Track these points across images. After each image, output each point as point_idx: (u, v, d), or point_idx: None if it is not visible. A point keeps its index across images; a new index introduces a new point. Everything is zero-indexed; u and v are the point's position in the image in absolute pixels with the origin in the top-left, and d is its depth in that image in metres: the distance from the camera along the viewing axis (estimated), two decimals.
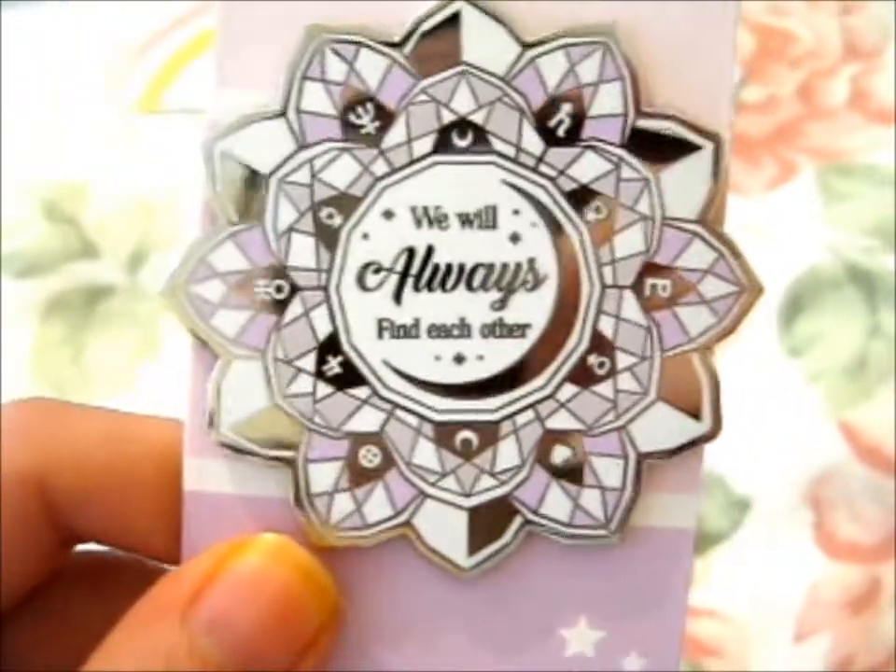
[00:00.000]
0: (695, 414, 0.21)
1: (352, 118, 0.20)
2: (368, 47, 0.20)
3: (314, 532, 0.21)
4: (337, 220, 0.21)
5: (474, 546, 0.21)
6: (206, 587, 0.20)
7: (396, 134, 0.20)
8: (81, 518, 0.22)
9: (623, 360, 0.21)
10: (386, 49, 0.20)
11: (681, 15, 0.20)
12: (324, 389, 0.21)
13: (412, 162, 0.20)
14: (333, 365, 0.21)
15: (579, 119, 0.20)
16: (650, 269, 0.21)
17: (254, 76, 0.20)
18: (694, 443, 0.21)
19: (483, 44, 0.20)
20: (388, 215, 0.21)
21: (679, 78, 0.21)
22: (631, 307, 0.21)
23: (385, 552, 0.21)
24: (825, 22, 0.40)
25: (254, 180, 0.20)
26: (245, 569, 0.20)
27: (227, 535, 0.21)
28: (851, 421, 0.35)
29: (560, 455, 0.21)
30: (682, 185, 0.21)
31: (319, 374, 0.21)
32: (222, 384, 0.21)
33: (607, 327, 0.21)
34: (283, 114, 0.20)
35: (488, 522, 0.21)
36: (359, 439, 0.21)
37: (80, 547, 0.23)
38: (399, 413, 0.21)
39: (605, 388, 0.21)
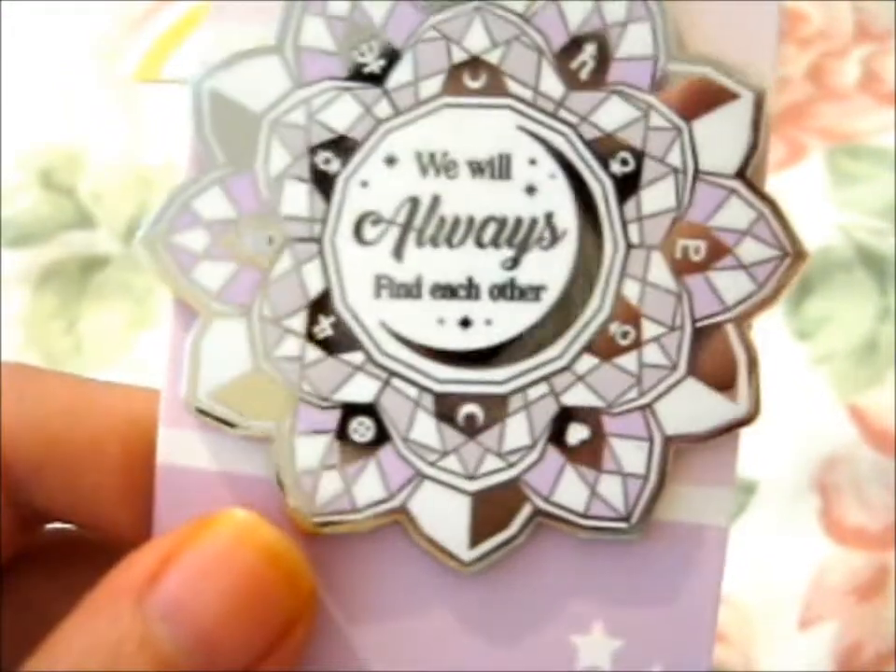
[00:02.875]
0: (731, 394, 0.17)
1: (354, 55, 0.17)
2: None
3: (297, 514, 0.17)
4: (334, 166, 0.17)
5: (477, 536, 0.17)
6: (164, 570, 0.16)
7: (402, 74, 0.17)
8: (42, 492, 0.18)
9: (649, 330, 0.17)
10: None
11: None
12: (314, 353, 0.17)
13: (418, 104, 0.17)
14: (325, 326, 0.17)
15: (604, 60, 0.17)
16: (681, 228, 0.17)
17: (248, 9, 0.17)
18: (729, 427, 0.17)
19: None
20: (391, 161, 0.17)
21: (717, 22, 0.17)
22: (659, 270, 0.17)
23: (376, 539, 0.17)
24: (836, 3, 0.37)
25: (245, 121, 0.17)
26: (207, 550, 0.16)
27: (202, 514, 0.17)
28: (860, 405, 0.31)
29: (576, 434, 0.17)
30: (718, 136, 0.17)
31: (309, 336, 0.17)
32: (201, 344, 0.17)
33: (631, 292, 0.17)
34: (279, 50, 0.17)
35: (493, 509, 0.17)
36: (351, 410, 0.17)
37: (46, 528, 0.19)
38: (397, 381, 0.17)
39: (628, 361, 0.17)
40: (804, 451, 0.31)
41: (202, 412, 0.17)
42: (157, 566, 0.15)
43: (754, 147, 0.16)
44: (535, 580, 0.17)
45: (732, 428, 0.16)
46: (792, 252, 0.16)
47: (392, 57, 0.17)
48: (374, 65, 0.17)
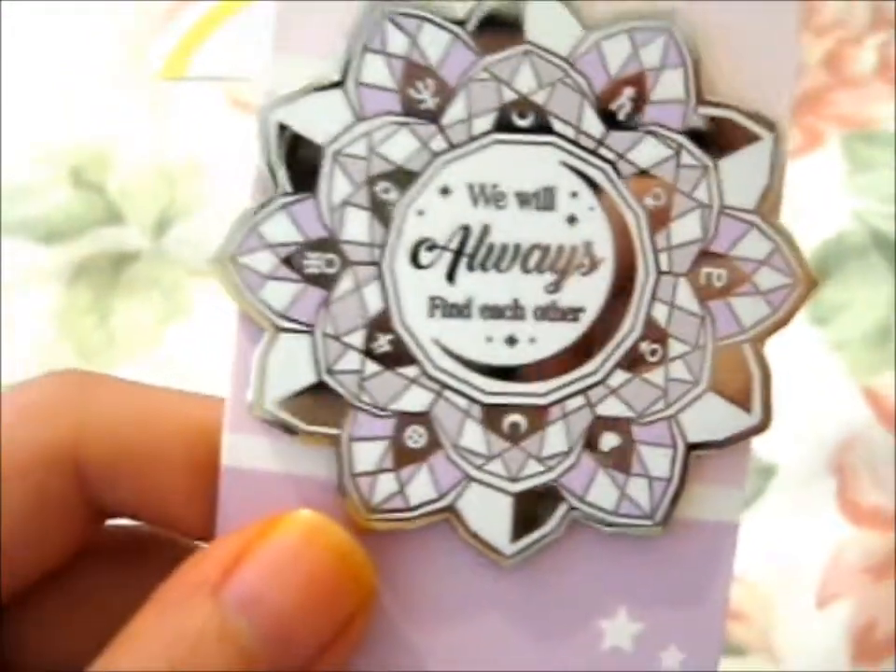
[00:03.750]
0: (746, 406, 0.18)
1: (412, 92, 0.18)
2: (430, 21, 0.18)
3: (355, 513, 0.18)
4: (393, 195, 0.18)
5: (518, 532, 0.18)
6: (238, 565, 0.17)
7: (456, 111, 0.18)
8: (113, 493, 0.19)
9: (675, 348, 0.18)
10: (449, 25, 0.18)
11: (744, 3, 0.18)
12: (372, 367, 0.18)
13: (471, 140, 0.18)
14: (383, 343, 0.18)
15: (640, 103, 0.18)
16: (705, 257, 0.18)
17: (312, 44, 0.18)
18: (744, 435, 0.18)
19: (547, 24, 0.18)
20: (445, 192, 0.18)
21: (740, 67, 0.18)
22: (685, 295, 0.18)
23: (427, 535, 0.18)
24: None
25: (309, 151, 0.18)
26: (279, 547, 0.17)
27: (264, 514, 0.18)
28: (875, 388, 0.32)
29: (608, 442, 0.18)
30: (741, 174, 0.18)
31: (368, 352, 0.18)
32: (268, 358, 0.18)
33: (660, 314, 0.18)
34: (341, 85, 0.18)
35: (533, 508, 0.18)
36: (406, 418, 0.18)
37: (112, 522, 0.20)
38: (448, 393, 0.18)
39: (656, 376, 0.18)
40: (820, 434, 0.31)
41: (267, 420, 0.18)
42: (230, 561, 0.16)
43: (771, 185, 0.18)
44: (567, 570, 0.18)
45: (746, 436, 0.18)
46: (804, 279, 0.18)
47: (447, 95, 0.17)
48: (430, 102, 0.17)
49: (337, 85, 0.17)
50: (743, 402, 0.18)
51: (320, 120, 0.17)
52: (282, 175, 0.17)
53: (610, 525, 0.18)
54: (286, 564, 0.16)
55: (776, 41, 0.18)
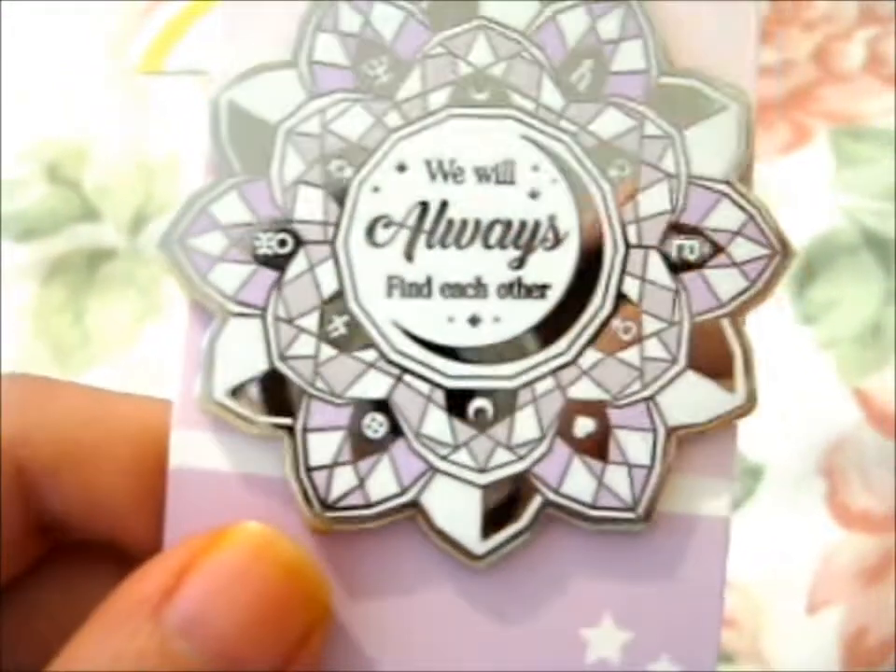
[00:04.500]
0: (728, 385, 0.17)
1: (365, 69, 0.17)
2: (391, 3, 0.17)
3: (310, 510, 0.16)
4: (347, 172, 0.17)
5: (488, 529, 0.16)
6: (180, 583, 0.15)
7: (411, 86, 0.17)
8: (57, 499, 0.17)
9: (649, 325, 0.17)
10: (402, 2, 0.17)
11: None
12: (327, 351, 0.17)
13: (427, 115, 0.17)
14: (338, 325, 0.17)
15: (600, 74, 0.17)
16: (676, 229, 0.17)
17: (263, 28, 0.17)
18: (728, 417, 0.17)
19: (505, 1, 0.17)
20: (401, 168, 0.17)
21: (701, 39, 0.17)
22: (657, 268, 0.17)
23: (389, 534, 0.16)
24: None
25: (261, 131, 0.17)
26: (223, 563, 0.15)
27: (216, 518, 0.16)
28: (865, 388, 0.30)
29: (583, 427, 0.17)
30: (708, 144, 0.17)
31: (323, 335, 0.17)
32: (217, 344, 0.17)
33: (632, 289, 0.17)
34: (294, 64, 0.17)
35: (504, 501, 0.16)
36: (364, 406, 0.16)
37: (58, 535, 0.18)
38: (408, 378, 0.17)
39: (631, 355, 0.17)
40: (810, 435, 0.29)
41: (218, 408, 0.16)
42: (172, 579, 0.15)
43: (741, 155, 0.17)
44: (545, 572, 0.16)
45: (730, 419, 0.16)
46: (781, 250, 0.17)
47: (401, 71, 0.17)
48: (384, 78, 0.17)
49: (289, 64, 0.17)
50: (725, 381, 0.16)
51: (272, 99, 0.16)
52: (233, 154, 0.16)
53: (589, 518, 0.16)
54: (231, 582, 0.15)
55: (735, 11, 0.17)
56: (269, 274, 0.16)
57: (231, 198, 0.16)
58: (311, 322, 0.16)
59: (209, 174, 0.16)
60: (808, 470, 0.29)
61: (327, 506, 0.16)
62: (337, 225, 0.16)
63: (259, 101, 0.16)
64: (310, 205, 0.16)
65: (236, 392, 0.16)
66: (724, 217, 0.16)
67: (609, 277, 0.16)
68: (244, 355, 0.16)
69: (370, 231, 0.16)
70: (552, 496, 0.16)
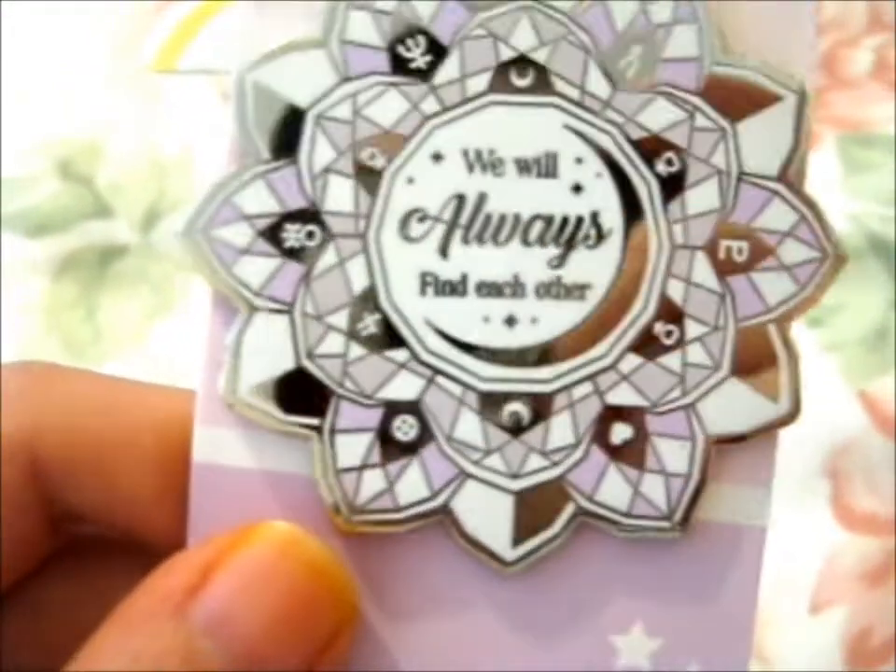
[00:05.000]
0: (772, 394, 0.16)
1: (401, 51, 0.16)
2: None
3: (338, 514, 0.16)
4: (380, 162, 0.16)
5: (519, 535, 0.16)
6: (205, 581, 0.14)
7: (449, 70, 0.16)
8: (75, 492, 0.16)
9: (692, 330, 0.16)
10: None
11: None
12: (357, 350, 0.16)
13: (465, 101, 0.16)
14: (369, 323, 0.16)
15: (650, 61, 0.16)
16: (725, 229, 0.16)
17: (292, 3, 0.16)
18: (770, 427, 0.16)
19: None
20: (437, 157, 0.16)
21: (760, 25, 0.16)
22: (703, 270, 0.16)
23: (419, 539, 0.16)
24: None
25: (290, 115, 0.16)
26: (249, 562, 0.14)
27: (240, 515, 0.16)
28: (870, 392, 0.30)
29: (620, 434, 0.16)
30: (762, 138, 0.16)
31: (352, 333, 0.16)
32: (242, 340, 0.16)
33: (676, 291, 0.16)
34: (324, 44, 0.16)
35: (537, 508, 0.16)
36: (394, 407, 0.16)
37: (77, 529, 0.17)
38: (441, 379, 0.16)
39: (672, 360, 0.16)
40: (814, 438, 0.29)
41: (243, 406, 0.15)
42: (197, 576, 0.14)
43: (796, 150, 0.16)
44: (575, 579, 0.16)
45: (772, 428, 0.16)
46: (832, 254, 0.16)
47: (439, 53, 0.15)
48: (421, 61, 0.15)
49: (320, 44, 0.15)
50: (769, 390, 0.15)
51: (301, 81, 0.15)
52: (259, 140, 0.15)
53: (623, 527, 0.15)
54: (257, 580, 0.14)
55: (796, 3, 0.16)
56: (296, 268, 0.15)
57: (258, 187, 0.15)
58: (340, 319, 0.15)
59: (234, 160, 0.15)
60: (813, 472, 0.29)
61: (355, 509, 0.15)
62: (368, 217, 0.15)
63: (287, 83, 0.15)
64: (340, 196, 0.15)
65: (262, 390, 0.15)
66: (775, 217, 0.15)
67: (654, 279, 0.15)
68: (270, 352, 0.15)
69: (403, 225, 0.15)
70: (585, 503, 0.15)
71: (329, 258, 0.15)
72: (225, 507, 0.15)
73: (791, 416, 0.15)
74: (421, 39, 0.15)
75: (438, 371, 0.15)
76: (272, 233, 0.15)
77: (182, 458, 0.15)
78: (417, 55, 0.15)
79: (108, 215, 0.32)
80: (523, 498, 0.15)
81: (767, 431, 0.15)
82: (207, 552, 0.14)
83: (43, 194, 0.32)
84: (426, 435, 0.15)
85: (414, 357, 0.15)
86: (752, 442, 0.15)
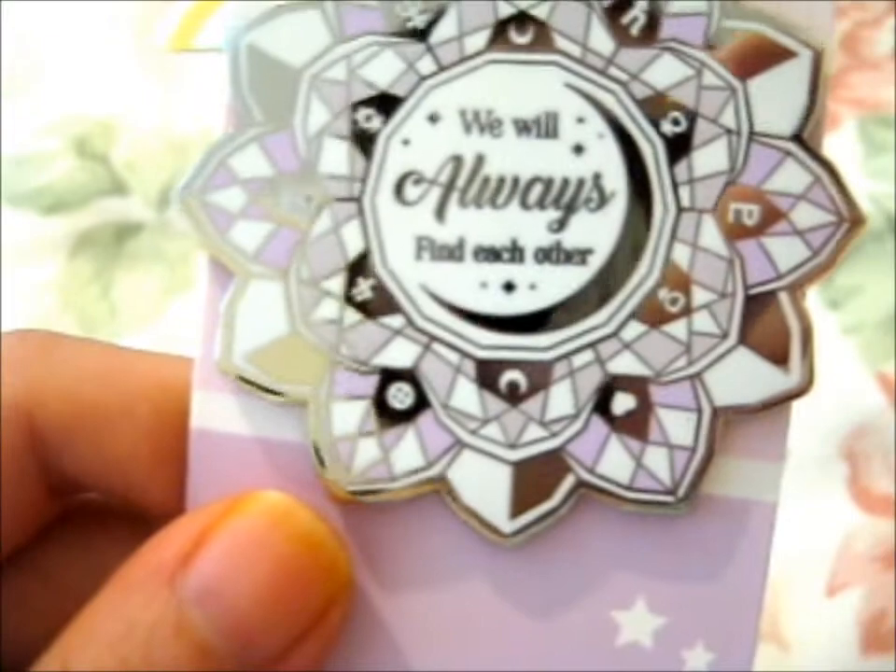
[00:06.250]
0: (783, 364, 0.15)
1: (397, 9, 0.15)
2: None
3: (333, 482, 0.15)
4: (375, 123, 0.15)
5: (518, 507, 0.15)
6: (196, 552, 0.14)
7: (446, 28, 0.15)
8: (72, 458, 0.16)
9: (699, 297, 0.15)
10: None
11: None
12: (352, 316, 0.15)
13: (462, 60, 0.15)
14: (364, 288, 0.15)
15: (655, 16, 0.15)
16: (734, 191, 0.15)
17: None
18: (781, 399, 0.15)
19: None
20: (434, 118, 0.15)
21: None
22: (711, 234, 0.15)
23: (414, 508, 0.15)
24: None
25: (284, 76, 0.15)
26: (240, 533, 0.14)
27: (237, 483, 0.15)
28: (888, 373, 0.29)
29: (622, 404, 0.15)
30: (774, 96, 0.15)
31: (348, 299, 0.15)
32: (237, 306, 0.15)
33: (682, 256, 0.15)
34: (318, 4, 0.15)
35: (535, 479, 0.15)
36: (390, 375, 0.15)
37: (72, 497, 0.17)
38: (437, 346, 0.15)
39: (677, 328, 0.15)
40: (832, 419, 0.28)
41: (236, 375, 0.15)
42: (189, 546, 0.13)
43: (811, 109, 0.14)
44: (576, 553, 0.15)
45: (784, 401, 0.14)
46: (849, 217, 0.14)
47: (436, 11, 0.15)
48: (418, 20, 0.15)
49: (313, 4, 0.15)
50: (780, 360, 0.14)
51: (295, 42, 0.14)
52: (254, 103, 0.15)
53: (625, 500, 0.14)
54: (246, 552, 0.13)
55: None
56: (291, 233, 0.14)
57: (252, 150, 0.14)
58: (335, 285, 0.14)
59: (229, 123, 0.15)
60: (830, 454, 0.28)
61: (350, 477, 0.14)
62: (364, 181, 0.14)
63: (281, 44, 0.14)
64: (335, 158, 0.14)
65: (256, 356, 0.14)
66: (788, 179, 0.14)
67: (658, 243, 0.14)
68: (264, 318, 0.14)
69: (398, 188, 0.14)
70: (586, 475, 0.14)
71: (323, 222, 0.14)
72: (222, 474, 0.15)
73: (804, 389, 0.14)
74: None
75: (434, 338, 0.14)
76: (266, 197, 0.14)
77: (179, 425, 0.15)
78: (414, 14, 0.14)
79: (124, 192, 0.32)
80: (521, 469, 0.14)
81: (778, 403, 0.14)
82: (200, 520, 0.14)
83: (58, 172, 0.32)
84: (421, 403, 0.14)
85: (410, 323, 0.14)
86: (763, 415, 0.14)
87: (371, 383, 0.14)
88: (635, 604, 0.14)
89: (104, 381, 0.15)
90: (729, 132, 0.14)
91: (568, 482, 0.14)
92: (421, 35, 0.14)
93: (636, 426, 0.14)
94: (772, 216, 0.14)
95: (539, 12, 0.14)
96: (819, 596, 0.26)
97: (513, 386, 0.14)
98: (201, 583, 0.13)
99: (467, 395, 0.14)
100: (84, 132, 0.33)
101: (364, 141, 0.14)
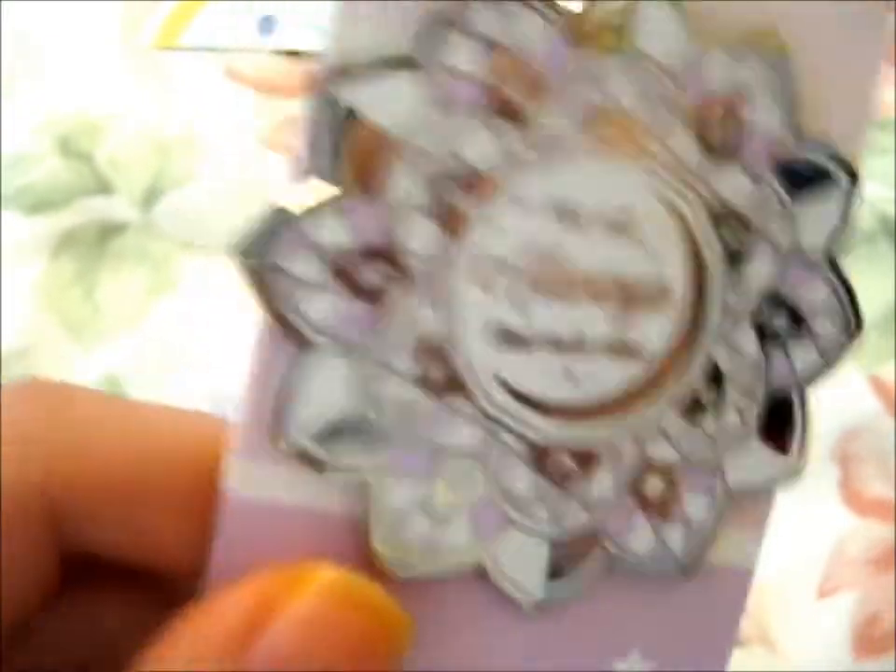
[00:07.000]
0: (783, 451, 0.16)
1: (499, 85, 0.14)
2: (530, 5, 0.14)
3: (381, 557, 0.15)
4: (463, 202, 0.14)
5: (553, 577, 0.16)
6: (261, 628, 0.13)
7: (545, 113, 0.14)
8: (91, 530, 0.14)
9: (730, 394, 0.16)
10: (552, 14, 0.14)
11: (830, 35, 0.16)
12: (418, 396, 0.14)
13: (554, 147, 0.14)
14: (433, 369, 0.14)
15: (735, 129, 0.15)
16: (770, 300, 0.16)
17: (388, 14, 0.14)
18: (779, 481, 0.16)
19: (656, 31, 0.14)
20: (521, 204, 0.14)
21: (823, 101, 0.16)
22: (748, 338, 0.16)
23: (461, 585, 0.15)
24: None
25: (372, 141, 0.14)
26: (309, 607, 0.13)
27: (272, 553, 0.14)
28: (882, 376, 0.28)
29: (654, 486, 0.16)
30: (814, 215, 0.16)
31: (415, 378, 0.14)
32: (299, 379, 0.14)
33: (722, 357, 0.16)
34: (416, 65, 0.14)
35: (569, 553, 0.16)
36: (449, 454, 0.15)
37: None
38: (498, 430, 0.15)
39: (709, 422, 0.16)
40: (825, 422, 0.26)
41: (293, 449, 0.14)
42: (248, 623, 0.13)
43: (842, 229, 0.16)
44: (587, 611, 0.16)
45: (781, 482, 0.16)
46: (855, 327, 0.16)
47: (538, 93, 0.14)
48: (518, 99, 0.14)
49: (412, 64, 0.13)
50: (783, 448, 0.16)
51: (388, 105, 0.13)
52: (336, 164, 0.13)
53: (643, 570, 0.15)
54: (316, 631, 0.13)
55: (858, 76, 0.15)
56: (364, 307, 0.14)
57: (331, 217, 0.13)
58: (404, 364, 0.14)
59: (301, 182, 0.13)
60: (822, 457, 0.27)
61: (400, 553, 0.14)
62: (445, 260, 0.14)
63: (373, 105, 0.13)
64: (418, 235, 0.14)
65: (316, 432, 0.14)
66: (814, 292, 0.15)
67: (704, 344, 0.15)
68: (328, 392, 0.14)
69: (478, 271, 0.14)
70: (613, 549, 0.15)
71: (398, 299, 0.14)
72: (257, 545, 0.14)
73: (798, 471, 0.16)
74: (522, 76, 0.14)
75: (497, 422, 0.14)
76: (341, 268, 0.13)
77: (210, 496, 0.14)
78: (516, 92, 0.14)
79: (108, 191, 0.28)
80: (558, 544, 0.15)
81: (777, 485, 0.16)
82: (249, 596, 0.13)
83: (42, 171, 0.28)
84: (476, 483, 0.14)
85: (475, 406, 0.14)
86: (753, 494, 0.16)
87: (429, 461, 0.14)
88: (630, 653, 0.16)
89: (125, 447, 0.13)
90: (777, 245, 0.15)
91: (598, 555, 0.15)
92: (519, 116, 0.14)
93: (662, 506, 0.15)
94: (796, 323, 0.15)
95: (632, 108, 0.14)
96: (811, 600, 0.26)
97: (563, 469, 0.15)
98: (271, 657, 0.13)
99: (520, 477, 0.14)
100: (68, 130, 0.28)
101: (449, 219, 0.14)
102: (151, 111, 0.30)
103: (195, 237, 0.28)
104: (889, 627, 0.27)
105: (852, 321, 0.15)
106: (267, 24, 0.30)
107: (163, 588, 0.14)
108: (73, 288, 0.28)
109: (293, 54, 0.32)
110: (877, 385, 0.29)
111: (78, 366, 0.28)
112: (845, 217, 0.15)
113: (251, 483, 0.14)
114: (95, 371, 0.28)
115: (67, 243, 0.29)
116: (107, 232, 0.29)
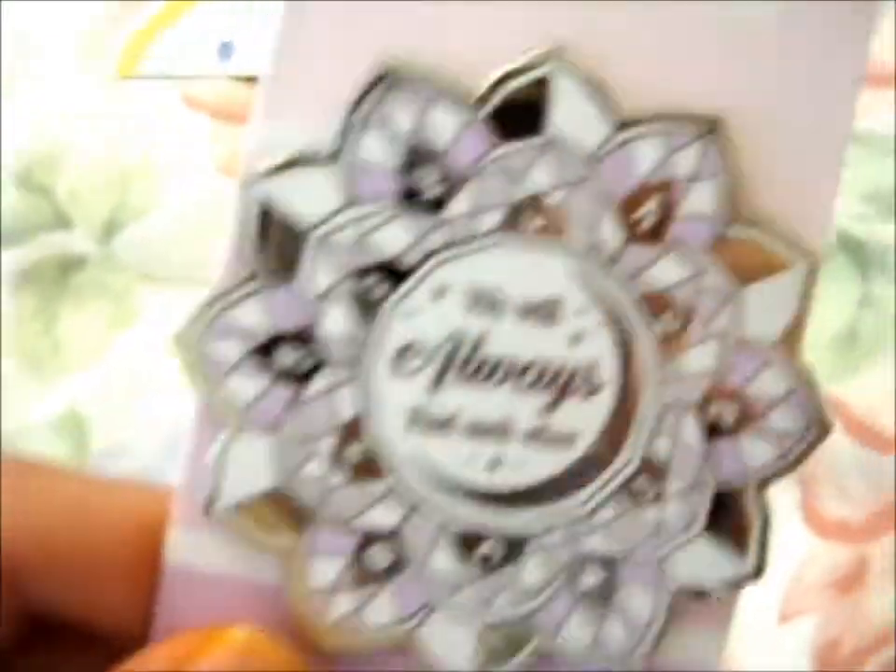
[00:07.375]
0: (741, 552, 0.15)
1: (414, 178, 0.14)
2: (444, 97, 0.14)
3: (305, 630, 0.15)
4: (380, 291, 0.15)
5: (481, 667, 0.15)
6: None
7: (461, 204, 0.14)
8: (44, 595, 0.15)
9: (673, 486, 0.15)
10: (463, 105, 0.14)
11: (792, 116, 0.15)
12: (339, 477, 0.15)
13: (474, 238, 0.15)
14: (353, 452, 0.15)
15: (666, 215, 0.15)
16: (716, 391, 0.15)
17: (305, 110, 0.14)
18: (735, 583, 0.15)
19: (573, 115, 0.14)
20: (440, 293, 0.15)
21: (779, 184, 0.15)
22: (691, 431, 0.15)
23: (383, 659, 0.15)
24: None
25: (292, 233, 0.14)
26: (213, 667, 0.14)
27: (208, 617, 0.15)
28: (840, 395, 0.28)
29: (589, 579, 0.15)
30: (766, 304, 0.15)
31: (336, 460, 0.15)
32: (227, 456, 0.15)
33: (661, 448, 0.15)
34: (334, 161, 0.14)
35: (500, 643, 0.15)
36: (371, 536, 0.15)
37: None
38: (419, 513, 0.15)
39: (650, 514, 0.15)
40: None
41: (222, 519, 0.14)
42: None
43: (798, 317, 0.15)
44: None
45: (738, 585, 0.15)
46: (818, 426, 0.15)
47: (452, 185, 0.14)
48: (433, 191, 0.14)
49: (329, 160, 0.14)
50: (739, 548, 0.15)
51: (307, 200, 0.14)
52: (259, 255, 0.14)
53: (580, 665, 0.15)
54: None
55: (822, 161, 0.14)
56: (286, 390, 0.14)
57: (253, 304, 0.14)
58: (325, 446, 0.14)
59: (231, 272, 0.14)
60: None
61: (323, 628, 0.14)
62: (363, 347, 0.14)
63: (293, 200, 0.14)
64: (337, 322, 0.14)
65: (242, 507, 0.14)
66: (767, 385, 0.14)
67: (641, 434, 0.14)
68: (252, 470, 0.14)
69: (397, 359, 0.14)
70: (547, 642, 0.15)
71: (319, 383, 0.14)
72: (194, 610, 0.14)
73: (756, 574, 0.15)
74: (435, 168, 0.14)
75: (417, 506, 0.14)
76: (264, 353, 0.14)
77: (155, 561, 0.15)
78: (430, 183, 0.14)
79: (67, 225, 0.30)
80: (487, 633, 0.15)
81: (732, 587, 0.15)
82: (174, 653, 0.14)
83: (1, 205, 0.30)
84: (399, 564, 0.14)
85: (395, 489, 0.14)
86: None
87: (351, 542, 0.14)
88: None
89: (79, 517, 0.14)
90: (720, 335, 0.14)
91: (531, 646, 0.15)
92: (434, 206, 0.14)
93: (600, 599, 0.15)
94: (749, 417, 0.14)
95: (555, 198, 0.14)
96: (772, 624, 0.25)
97: (489, 557, 0.14)
98: None
99: (443, 561, 0.14)
100: (26, 164, 0.30)
101: (367, 308, 0.14)
102: (110, 141, 0.31)
103: (155, 269, 0.29)
104: (850, 650, 0.25)
105: (814, 416, 0.14)
106: (225, 50, 0.30)
107: (119, 649, 0.14)
108: (33, 323, 0.30)
109: (252, 80, 0.31)
110: (836, 404, 0.27)
111: (39, 401, 0.29)
112: (800, 305, 0.14)
113: (188, 551, 0.14)
114: (56, 406, 0.28)
115: (28, 278, 0.30)
116: (67, 267, 0.30)
